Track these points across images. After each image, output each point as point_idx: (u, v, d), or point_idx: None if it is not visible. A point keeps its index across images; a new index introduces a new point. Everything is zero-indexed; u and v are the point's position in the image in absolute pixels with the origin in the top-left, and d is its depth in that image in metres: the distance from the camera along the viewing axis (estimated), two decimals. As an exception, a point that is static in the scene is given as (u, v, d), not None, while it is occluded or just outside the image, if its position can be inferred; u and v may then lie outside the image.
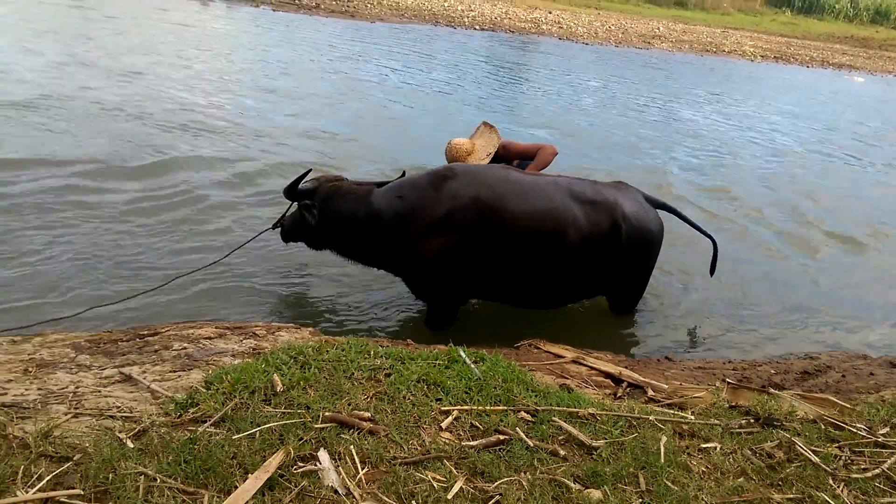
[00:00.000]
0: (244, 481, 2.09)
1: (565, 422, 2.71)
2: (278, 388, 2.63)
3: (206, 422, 2.40)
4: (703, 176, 9.35)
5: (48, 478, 2.00)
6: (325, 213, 4.37)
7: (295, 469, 2.19)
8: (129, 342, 3.27)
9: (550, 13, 30.13)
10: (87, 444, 2.18)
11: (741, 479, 2.53)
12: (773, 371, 4.15)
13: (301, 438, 2.35)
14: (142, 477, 2.05)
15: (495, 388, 2.91)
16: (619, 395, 3.29)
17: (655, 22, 33.67)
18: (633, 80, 17.59)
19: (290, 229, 4.68)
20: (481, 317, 4.95)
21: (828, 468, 2.62)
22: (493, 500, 2.20)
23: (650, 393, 3.30)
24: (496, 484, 2.28)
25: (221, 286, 4.70)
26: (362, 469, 2.26)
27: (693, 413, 3.04)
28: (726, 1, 42.63)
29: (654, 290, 5.32)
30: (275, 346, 3.23)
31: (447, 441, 2.50)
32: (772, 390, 3.43)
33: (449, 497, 2.17)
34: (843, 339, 5.24)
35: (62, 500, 1.92)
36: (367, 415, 2.55)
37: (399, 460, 2.33)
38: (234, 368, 2.79)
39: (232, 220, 5.76)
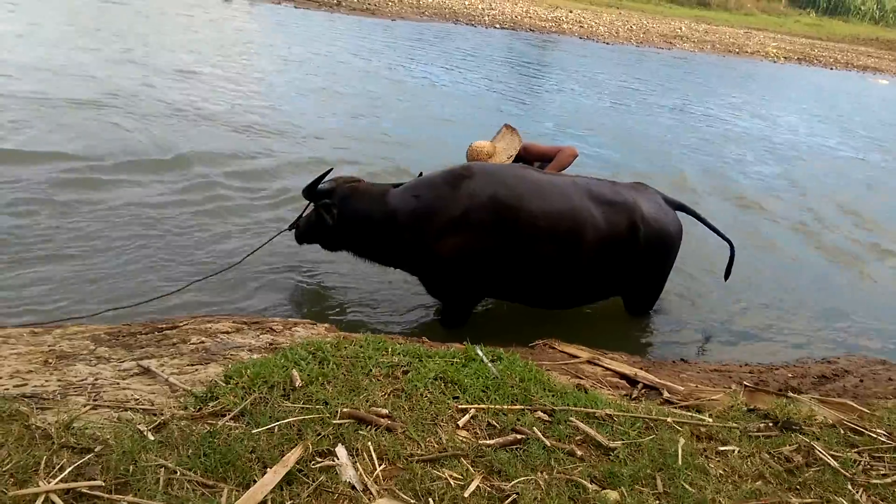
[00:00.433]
0: (263, 475, 2.10)
1: (582, 422, 2.70)
2: (297, 384, 2.64)
3: (225, 416, 2.42)
4: (723, 178, 9.28)
5: (70, 469, 2.01)
6: (343, 213, 4.38)
7: (313, 464, 2.20)
8: (148, 335, 3.30)
9: (571, 12, 29.99)
10: (108, 436, 2.19)
11: (759, 482, 2.51)
12: (790, 375, 4.12)
13: (319, 434, 2.36)
14: (162, 469, 2.07)
15: (512, 387, 2.91)
16: (634, 396, 3.28)
17: (678, 22, 33.43)
18: (654, 81, 17.50)
19: (306, 230, 4.68)
20: (495, 316, 4.94)
21: (847, 473, 2.60)
22: (509, 500, 2.20)
23: (666, 395, 3.29)
24: (513, 483, 2.28)
25: (238, 281, 4.73)
26: (379, 465, 2.26)
27: (710, 415, 3.02)
28: (750, 1, 42.17)
29: (670, 291, 5.29)
30: (292, 342, 3.25)
31: (464, 439, 2.50)
32: (790, 394, 3.40)
33: (465, 495, 2.17)
34: (861, 344, 5.18)
35: (83, 490, 1.94)
36: (385, 411, 2.56)
37: (416, 457, 2.33)
38: (254, 363, 2.80)
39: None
